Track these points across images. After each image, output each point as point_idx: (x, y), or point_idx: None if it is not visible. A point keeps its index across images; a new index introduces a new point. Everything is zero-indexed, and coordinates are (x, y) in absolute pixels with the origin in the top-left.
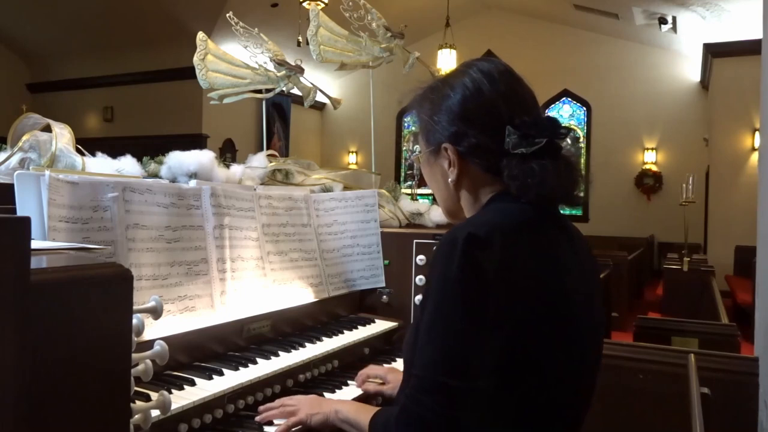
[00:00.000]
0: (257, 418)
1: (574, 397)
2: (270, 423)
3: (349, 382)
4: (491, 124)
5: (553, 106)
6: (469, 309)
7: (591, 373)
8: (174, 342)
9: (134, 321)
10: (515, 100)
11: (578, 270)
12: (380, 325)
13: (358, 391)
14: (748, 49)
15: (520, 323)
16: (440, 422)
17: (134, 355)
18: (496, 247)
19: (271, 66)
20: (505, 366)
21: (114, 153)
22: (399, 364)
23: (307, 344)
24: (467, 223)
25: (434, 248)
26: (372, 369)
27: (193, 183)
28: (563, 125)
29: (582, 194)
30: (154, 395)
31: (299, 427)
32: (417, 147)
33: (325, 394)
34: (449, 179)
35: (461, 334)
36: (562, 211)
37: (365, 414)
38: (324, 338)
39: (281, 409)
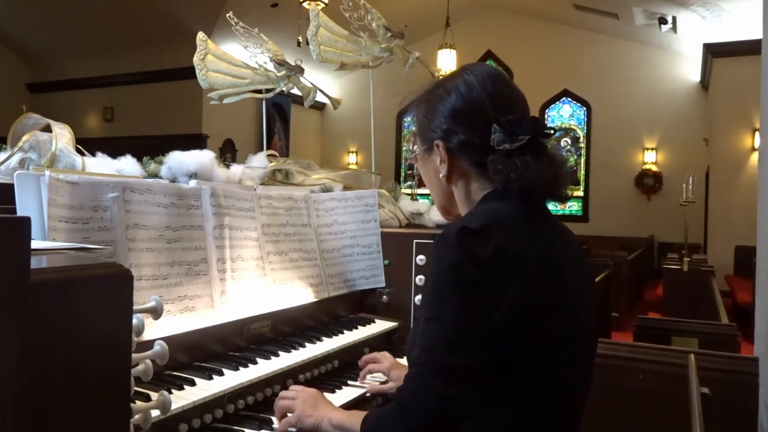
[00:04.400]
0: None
1: (574, 380)
2: (269, 421)
3: (349, 381)
4: (478, 122)
5: (553, 106)
6: (464, 292)
7: (588, 363)
8: (174, 342)
9: (134, 321)
10: (503, 101)
11: (571, 263)
12: (380, 325)
13: (359, 391)
14: (748, 49)
15: (517, 307)
16: (441, 406)
17: (134, 355)
18: (490, 236)
19: (271, 66)
20: (505, 348)
21: (114, 153)
22: (402, 361)
23: (307, 344)
24: (460, 220)
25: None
26: (375, 359)
27: (193, 183)
28: (549, 125)
29: (569, 192)
30: (154, 395)
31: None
32: (416, 146)
33: (325, 394)
34: (441, 174)
35: (459, 317)
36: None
37: (357, 417)
38: (324, 338)
39: (280, 402)
